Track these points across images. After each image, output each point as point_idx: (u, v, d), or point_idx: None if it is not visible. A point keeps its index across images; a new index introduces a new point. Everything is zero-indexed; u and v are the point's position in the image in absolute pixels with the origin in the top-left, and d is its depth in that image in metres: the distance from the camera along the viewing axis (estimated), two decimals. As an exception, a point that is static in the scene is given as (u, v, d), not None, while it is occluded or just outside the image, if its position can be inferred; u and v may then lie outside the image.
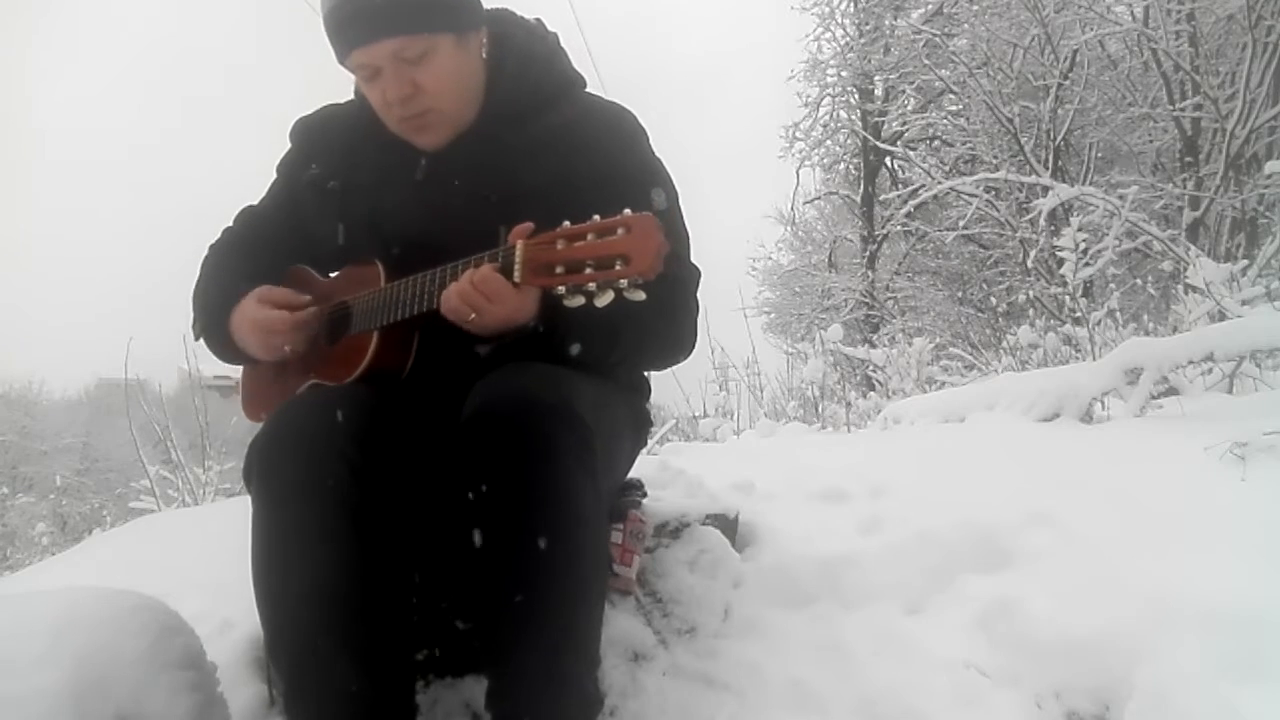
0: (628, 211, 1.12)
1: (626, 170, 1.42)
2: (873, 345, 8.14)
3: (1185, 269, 4.63)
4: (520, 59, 1.47)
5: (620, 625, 1.61)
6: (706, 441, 4.99)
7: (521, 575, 1.19)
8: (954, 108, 12.04)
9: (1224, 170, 8.05)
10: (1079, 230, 4.99)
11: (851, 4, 14.07)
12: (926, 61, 11.04)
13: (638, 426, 1.58)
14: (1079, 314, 5.04)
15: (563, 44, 1.55)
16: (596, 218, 1.13)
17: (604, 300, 1.12)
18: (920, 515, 1.95)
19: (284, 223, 1.59)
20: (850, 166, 15.48)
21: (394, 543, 1.27)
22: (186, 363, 5.64)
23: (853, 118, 14.99)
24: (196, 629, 1.32)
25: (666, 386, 6.49)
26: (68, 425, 26.56)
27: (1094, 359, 4.19)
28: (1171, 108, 8.74)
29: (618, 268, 1.10)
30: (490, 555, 1.20)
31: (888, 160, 14.41)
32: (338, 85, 1.57)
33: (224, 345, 1.54)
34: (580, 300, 1.13)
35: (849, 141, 15.14)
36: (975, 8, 10.39)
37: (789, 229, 16.35)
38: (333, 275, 1.58)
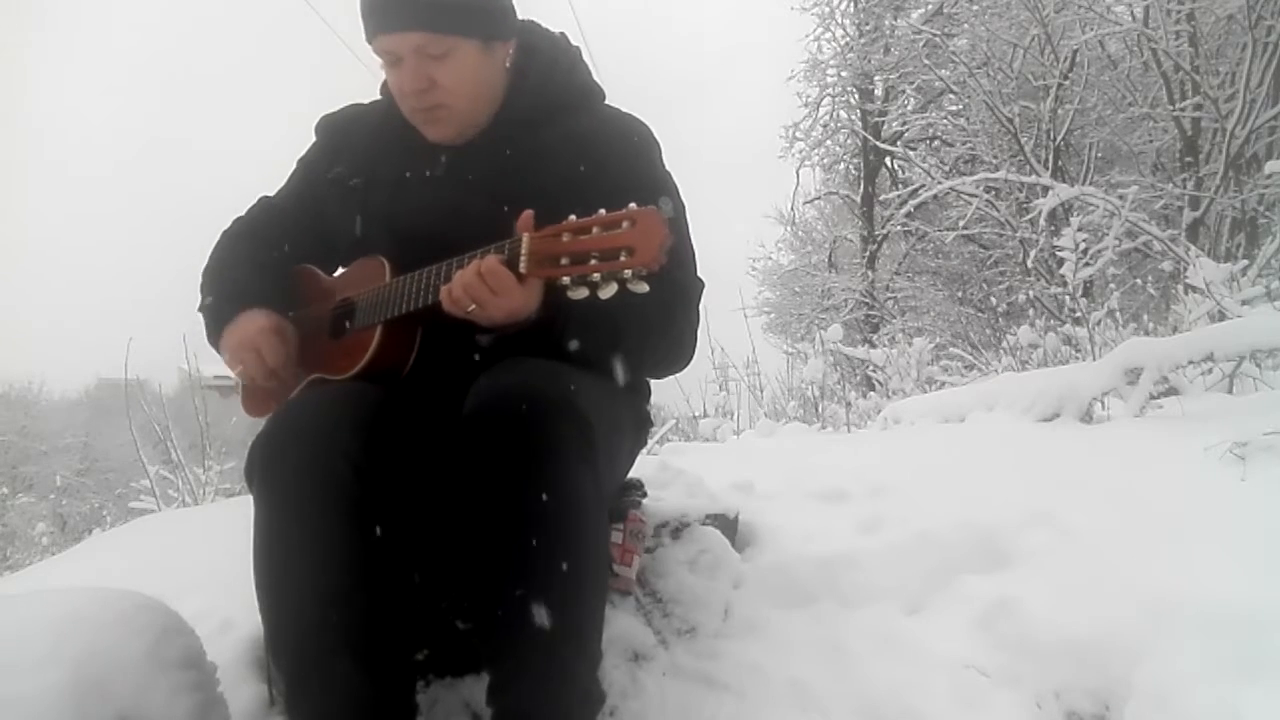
0: (633, 205, 1.13)
1: (637, 179, 1.44)
2: (873, 345, 8.14)
3: (1185, 269, 4.63)
4: (544, 68, 1.51)
5: (620, 625, 1.62)
6: (706, 441, 4.99)
7: (522, 568, 1.19)
8: (954, 108, 12.04)
9: (1224, 170, 8.04)
10: (1079, 230, 4.99)
11: (851, 4, 14.06)
12: (926, 61, 11.05)
13: (638, 426, 1.59)
14: (1079, 314, 5.04)
15: (585, 58, 1.59)
16: (602, 211, 1.14)
17: (607, 292, 1.13)
18: (920, 515, 1.95)
19: (300, 217, 1.61)
20: (850, 166, 15.48)
21: (396, 542, 1.27)
22: (186, 363, 5.63)
23: (853, 118, 14.99)
24: (196, 629, 1.32)
25: (666, 386, 6.48)
26: (68, 425, 26.55)
27: (1094, 359, 4.19)
28: (1171, 108, 8.74)
29: (622, 259, 1.11)
30: (491, 548, 1.20)
31: (888, 160, 14.40)
32: (339, 87, 1.58)
33: (213, 332, 1.54)
34: (584, 292, 1.14)
35: (849, 141, 15.14)
36: (975, 8, 10.40)
37: (789, 229, 16.36)
38: (339, 273, 1.59)
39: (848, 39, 14.24)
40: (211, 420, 5.99)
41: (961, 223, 9.39)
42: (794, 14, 14.40)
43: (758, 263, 15.92)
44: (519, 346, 1.29)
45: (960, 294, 11.80)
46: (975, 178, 8.89)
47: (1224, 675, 1.29)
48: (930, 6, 12.54)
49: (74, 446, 25.50)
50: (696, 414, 6.56)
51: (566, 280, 1.14)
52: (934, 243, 12.43)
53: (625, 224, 1.12)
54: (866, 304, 13.62)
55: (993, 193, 9.21)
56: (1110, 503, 1.87)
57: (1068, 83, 9.38)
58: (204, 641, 1.33)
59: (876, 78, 14.47)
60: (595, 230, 1.13)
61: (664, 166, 1.53)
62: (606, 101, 1.59)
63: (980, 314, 10.22)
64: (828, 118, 14.93)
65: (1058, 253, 5.26)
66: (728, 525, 1.93)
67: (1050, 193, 5.86)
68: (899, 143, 13.24)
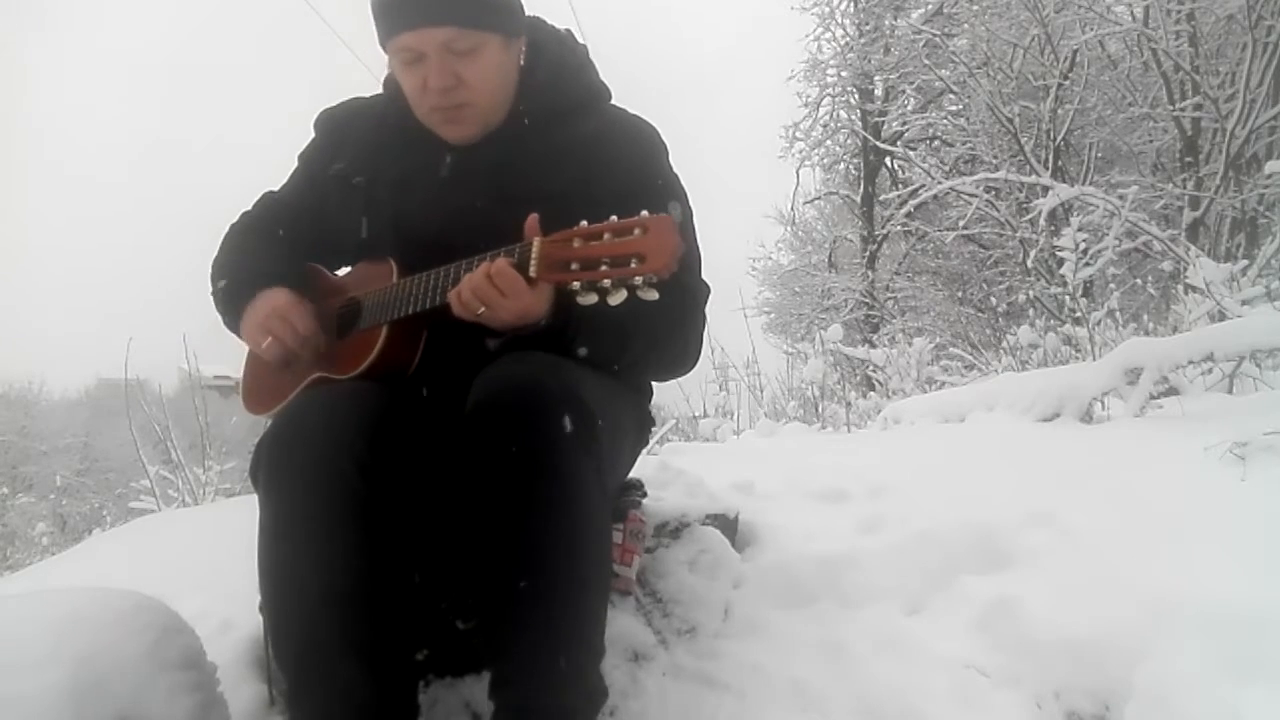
0: (645, 213, 1.13)
1: (645, 182, 1.44)
2: (873, 345, 8.14)
3: (1185, 269, 4.63)
4: (552, 67, 1.50)
5: (620, 625, 1.62)
6: (706, 441, 4.99)
7: (525, 560, 1.19)
8: (954, 108, 12.04)
9: (1224, 170, 8.04)
10: (1079, 230, 4.99)
11: (851, 4, 14.06)
12: (926, 61, 11.05)
13: (640, 426, 1.59)
14: (1079, 314, 5.04)
15: (591, 57, 1.58)
16: (614, 218, 1.14)
17: (617, 299, 1.13)
18: (920, 515, 1.95)
19: (303, 214, 1.60)
20: (850, 166, 15.48)
21: (400, 540, 1.27)
22: (186, 363, 5.63)
23: (853, 118, 14.99)
24: (196, 629, 1.32)
25: (667, 386, 6.43)
26: (68, 425, 26.54)
27: (1094, 359, 4.19)
28: (1171, 108, 8.74)
29: (633, 265, 1.11)
30: (494, 540, 1.20)
31: (888, 160, 14.40)
32: (339, 85, 1.58)
33: (231, 311, 1.52)
34: (593, 298, 1.14)
35: (849, 141, 15.14)
36: (975, 8, 10.39)
37: (789, 229, 16.36)
38: (345, 273, 1.59)
39: (848, 39, 14.24)
40: (211, 420, 5.99)
41: (961, 223, 9.40)
42: (794, 14, 14.38)
43: (758, 263, 15.94)
44: (526, 349, 1.29)
45: (960, 294, 11.80)
46: (975, 178, 8.90)
47: (1224, 675, 1.29)
48: (930, 6, 12.54)
49: (74, 446, 25.49)
50: (696, 414, 6.56)
51: (576, 286, 1.14)
52: (934, 243, 12.43)
53: (637, 231, 1.12)
54: (866, 304, 13.62)
55: (993, 193, 9.21)
56: (1110, 503, 1.87)
57: (1068, 83, 9.38)
58: (204, 641, 1.32)
59: (876, 78, 14.47)
60: (607, 236, 1.13)
61: (672, 169, 1.52)
62: (613, 101, 1.57)
63: (980, 314, 10.22)
64: (828, 118, 14.94)
65: (1058, 253, 5.27)
66: (728, 525, 1.93)
67: (1050, 193, 5.86)
68: (899, 143, 13.24)
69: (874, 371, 6.57)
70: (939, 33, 10.69)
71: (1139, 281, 6.77)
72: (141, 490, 5.76)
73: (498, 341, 1.32)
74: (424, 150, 1.48)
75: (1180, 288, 4.93)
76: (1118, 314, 5.43)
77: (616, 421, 1.39)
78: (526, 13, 1.49)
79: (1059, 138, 9.42)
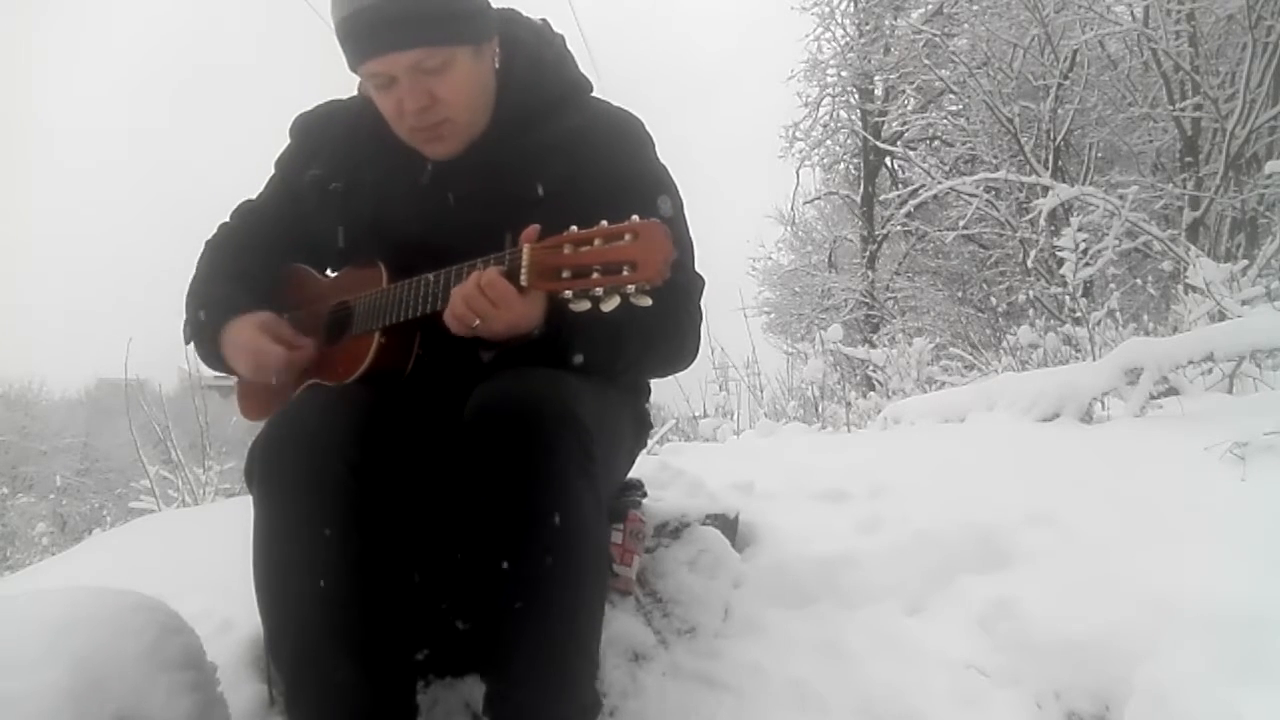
0: (635, 218, 1.11)
1: (633, 177, 1.42)
2: (873, 345, 8.14)
3: (1185, 269, 4.63)
4: (529, 64, 1.46)
5: (620, 625, 1.62)
6: (706, 441, 4.99)
7: (521, 579, 1.19)
8: (954, 108, 12.04)
9: (1224, 170, 8.05)
10: (1079, 230, 5.00)
11: (851, 4, 14.06)
12: (926, 61, 11.04)
13: (638, 428, 1.58)
14: (1079, 314, 5.04)
15: (569, 46, 1.54)
16: (604, 223, 1.12)
17: (610, 305, 1.11)
18: (920, 515, 1.95)
19: (281, 221, 1.58)
20: (850, 166, 15.47)
21: (395, 543, 1.27)
22: (186, 363, 5.60)
23: (853, 118, 14.99)
24: (196, 629, 1.32)
25: (666, 386, 6.48)
26: (68, 425, 26.56)
27: (1094, 359, 4.19)
28: (1171, 108, 8.74)
29: (625, 273, 1.09)
30: (489, 558, 1.20)
31: (888, 160, 14.40)
32: (339, 86, 1.56)
33: (211, 354, 1.51)
34: (586, 305, 1.13)
35: (849, 141, 15.14)
36: (975, 8, 10.40)
37: (789, 229, 16.35)
38: (334, 274, 1.58)
39: (848, 39, 14.23)
40: (211, 420, 5.99)
41: (961, 223, 9.40)
42: (794, 14, 14.35)
43: (758, 263, 15.93)
44: (521, 360, 1.28)
45: (960, 294, 11.80)
46: (975, 178, 8.91)
47: (1224, 675, 1.29)
48: (930, 6, 12.53)
49: (74, 446, 25.50)
50: (696, 414, 6.56)
51: (569, 293, 1.13)
52: (934, 243, 12.43)
53: (628, 236, 1.10)
54: (866, 304, 13.62)
55: (993, 193, 9.22)
56: (1110, 503, 1.87)
57: (1068, 83, 9.38)
58: (204, 641, 1.32)
59: (876, 78, 14.47)
60: (597, 242, 1.11)
61: (658, 161, 1.49)
62: (596, 95, 1.54)
63: (980, 314, 10.23)
64: (828, 118, 14.93)
65: (1058, 253, 5.27)
66: (728, 525, 1.92)
67: (1050, 193, 5.86)
68: (899, 143, 13.24)
69: (874, 371, 6.57)
70: (939, 33, 10.69)
71: (1139, 281, 6.77)
72: (141, 490, 5.76)
73: (493, 354, 1.31)
74: (404, 155, 1.44)
75: (1180, 288, 4.94)
76: (1118, 314, 5.43)
77: (614, 429, 1.38)
78: (497, 7, 1.44)
79: (1059, 138, 9.42)
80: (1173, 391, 2.75)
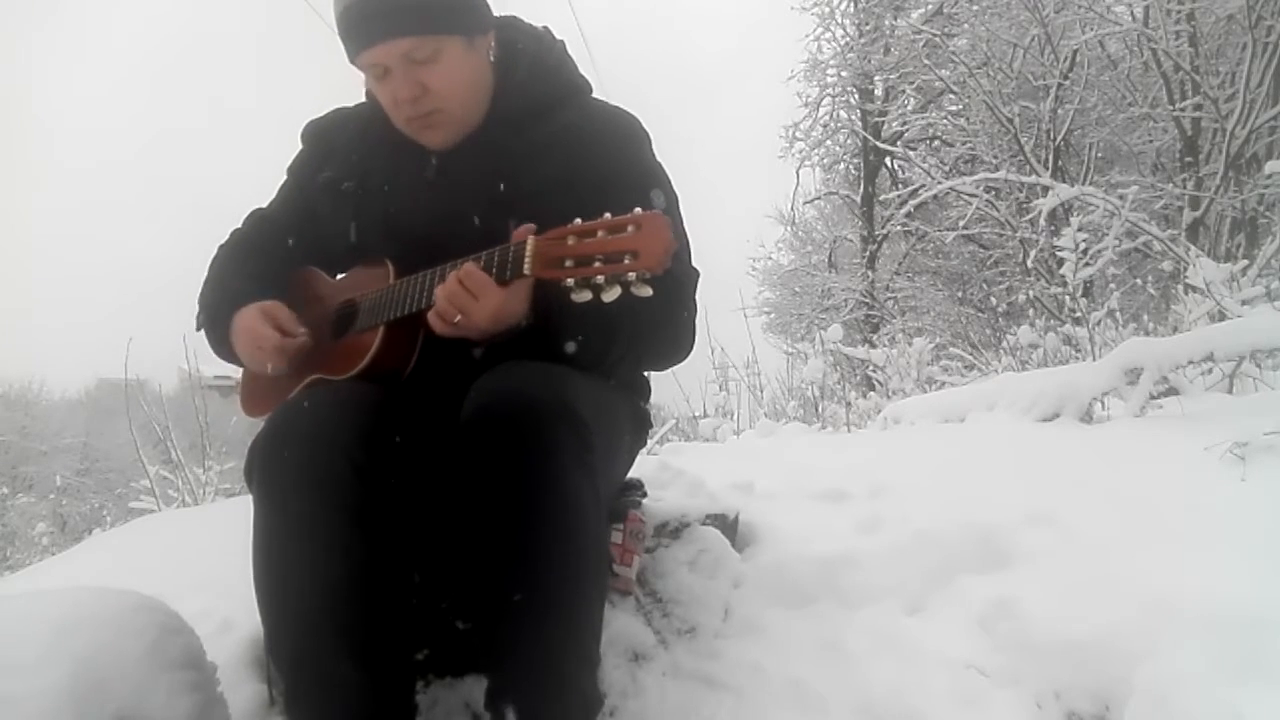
0: (639, 209, 1.13)
1: (628, 171, 1.44)
2: (873, 345, 8.14)
3: (1185, 269, 4.63)
4: (529, 66, 1.50)
5: (620, 625, 1.62)
6: (706, 441, 4.99)
7: (521, 575, 1.19)
8: (954, 108, 12.04)
9: (1224, 170, 8.05)
10: (1079, 230, 5.00)
11: (851, 4, 14.06)
12: (926, 61, 11.04)
13: (638, 426, 1.58)
14: (1079, 314, 5.04)
15: (569, 51, 1.58)
16: (608, 215, 1.14)
17: (611, 295, 1.13)
18: (920, 515, 1.95)
19: (293, 225, 1.60)
20: (850, 166, 15.48)
21: (396, 542, 1.27)
22: (186, 363, 5.64)
23: (853, 118, 14.99)
24: (196, 629, 1.32)
25: (666, 386, 6.50)
26: (68, 425, 26.56)
27: (1094, 359, 4.19)
28: (1171, 108, 8.74)
29: (626, 261, 1.11)
30: (489, 554, 1.20)
31: (888, 160, 14.40)
32: (347, 86, 1.58)
33: (221, 343, 1.56)
34: (587, 295, 1.14)
35: (849, 141, 15.14)
36: (975, 8, 10.40)
37: (789, 229, 16.36)
38: (342, 276, 1.59)
39: (848, 39, 14.24)
40: (211, 420, 5.99)
41: (961, 223, 9.40)
42: (794, 14, 14.37)
43: (758, 263, 15.94)
44: (516, 352, 1.29)
45: (960, 294, 11.81)
46: (975, 178, 8.90)
47: (1224, 675, 1.29)
48: (930, 6, 12.54)
49: (74, 446, 25.49)
50: (696, 414, 6.57)
51: (570, 282, 1.14)
52: (934, 243, 12.44)
53: (630, 228, 1.12)
54: (866, 304, 13.62)
55: (993, 193, 9.22)
56: (1110, 503, 1.87)
57: (1068, 83, 9.38)
58: (204, 641, 1.32)
59: (876, 78, 14.47)
60: (601, 234, 1.13)
61: (654, 157, 1.52)
62: (595, 95, 1.57)
63: (980, 314, 10.23)
64: (828, 118, 14.94)
65: (1058, 253, 5.27)
66: (728, 525, 1.93)
67: (1050, 193, 5.86)
68: (899, 143, 13.24)
69: (874, 371, 6.57)
70: (939, 33, 10.68)
71: (1139, 281, 6.77)
72: (141, 490, 5.76)
73: (482, 350, 1.32)
74: (409, 154, 1.49)
75: (1180, 288, 4.94)
76: (1118, 314, 5.43)
77: (612, 426, 1.39)
78: (494, 11, 1.48)
79: (1059, 138, 9.42)
80: (1173, 391, 2.75)
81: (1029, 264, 8.55)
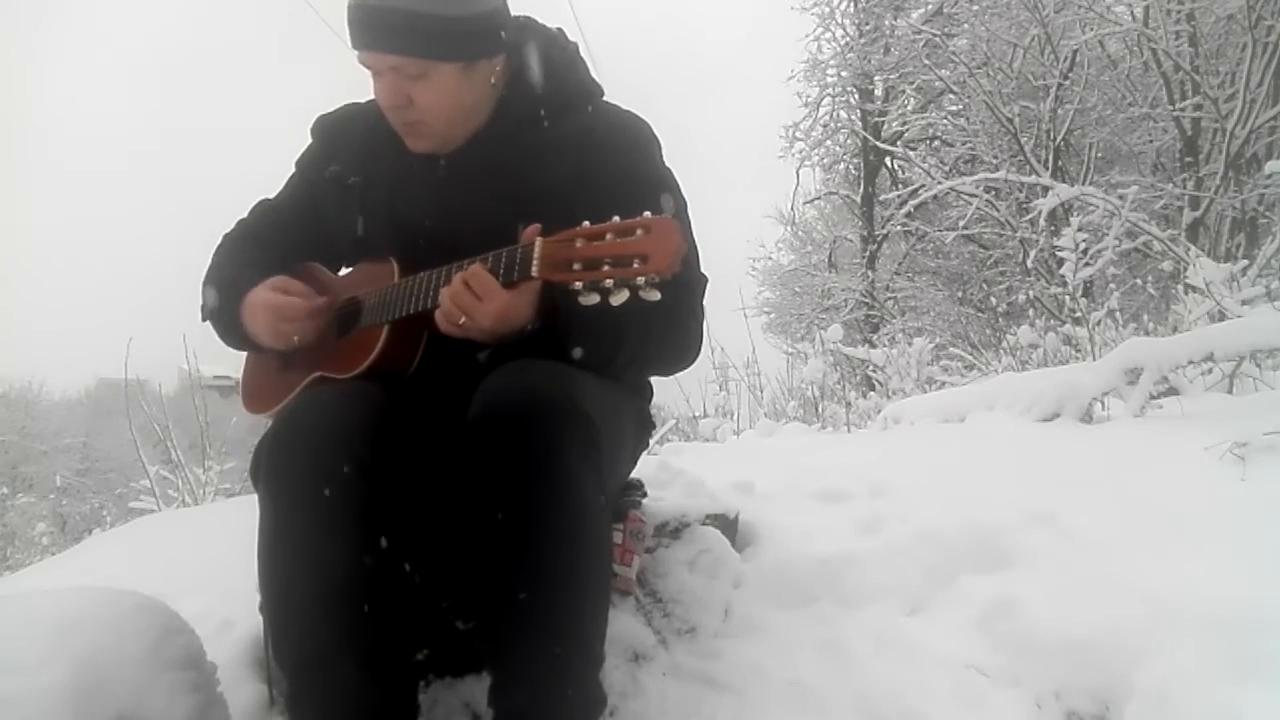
0: (648, 213, 1.13)
1: (638, 175, 1.44)
2: (873, 345, 8.13)
3: (1185, 269, 4.63)
4: (542, 67, 1.50)
5: (620, 625, 1.61)
6: (706, 441, 4.99)
7: (526, 571, 1.19)
8: (954, 108, 12.04)
9: (1224, 170, 8.04)
10: (1079, 230, 4.99)
11: (851, 4, 14.06)
12: (926, 61, 11.03)
13: (640, 427, 1.58)
14: (1079, 314, 5.04)
15: (582, 54, 1.58)
16: (616, 218, 1.14)
17: (619, 299, 1.12)
18: (920, 515, 1.95)
19: (300, 218, 1.60)
20: (850, 166, 15.47)
21: (400, 542, 1.27)
22: (186, 363, 5.64)
23: (853, 118, 14.98)
24: (196, 629, 1.32)
25: (667, 386, 6.50)
26: (68, 425, 26.54)
27: (1094, 359, 4.19)
28: (1171, 108, 8.74)
29: (635, 266, 1.10)
30: (495, 551, 1.20)
31: (888, 160, 14.40)
32: (350, 88, 1.59)
33: (230, 329, 1.55)
34: (595, 298, 1.13)
35: (849, 141, 15.14)
36: (975, 8, 10.39)
37: (789, 229, 16.36)
38: (346, 272, 1.59)
39: (848, 39, 14.23)
40: (211, 420, 6.00)
41: (961, 223, 9.39)
42: (794, 14, 14.35)
43: (758, 263, 15.94)
44: (522, 355, 1.28)
45: (960, 294, 11.80)
46: (975, 178, 8.90)
47: (1224, 675, 1.29)
48: (930, 6, 12.53)
49: (74, 446, 25.47)
50: (696, 414, 6.57)
51: (579, 285, 1.13)
52: (934, 243, 12.43)
53: (640, 231, 1.11)
54: (866, 304, 13.62)
55: (993, 193, 9.21)
56: (1110, 503, 1.87)
57: (1068, 83, 9.38)
58: (204, 641, 1.32)
59: (876, 78, 14.46)
60: (609, 237, 1.13)
61: (664, 163, 1.52)
62: (605, 98, 1.57)
63: (980, 314, 10.22)
64: (828, 118, 14.93)
65: (1058, 253, 5.26)
66: (728, 525, 1.93)
67: (1050, 193, 5.86)
68: (899, 143, 13.23)
69: (874, 371, 6.57)
70: (939, 33, 10.68)
71: (1139, 281, 6.76)
72: (141, 490, 5.76)
73: (486, 354, 1.32)
74: (420, 152, 1.49)
75: (1180, 288, 4.94)
76: (1118, 314, 5.42)
77: (618, 427, 1.39)
78: (509, 30, 1.46)
79: (1059, 138, 9.42)
80: (1173, 391, 2.75)
81: (1029, 264, 8.54)
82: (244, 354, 1.66)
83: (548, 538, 1.19)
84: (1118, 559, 1.64)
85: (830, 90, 14.67)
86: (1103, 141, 10.02)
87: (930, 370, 5.99)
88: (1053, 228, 7.17)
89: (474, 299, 1.22)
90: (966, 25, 10.57)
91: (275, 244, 1.61)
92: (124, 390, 6.02)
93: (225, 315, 1.53)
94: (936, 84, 11.73)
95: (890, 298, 13.57)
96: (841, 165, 15.64)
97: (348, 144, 1.57)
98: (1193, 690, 1.29)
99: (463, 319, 1.24)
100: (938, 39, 10.60)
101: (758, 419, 5.99)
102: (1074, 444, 2.47)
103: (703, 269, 1.51)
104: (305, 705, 1.23)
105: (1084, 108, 9.55)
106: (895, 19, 12.62)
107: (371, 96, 1.58)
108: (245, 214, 1.68)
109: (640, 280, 1.10)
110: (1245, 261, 4.61)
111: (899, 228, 12.80)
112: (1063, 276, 5.18)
